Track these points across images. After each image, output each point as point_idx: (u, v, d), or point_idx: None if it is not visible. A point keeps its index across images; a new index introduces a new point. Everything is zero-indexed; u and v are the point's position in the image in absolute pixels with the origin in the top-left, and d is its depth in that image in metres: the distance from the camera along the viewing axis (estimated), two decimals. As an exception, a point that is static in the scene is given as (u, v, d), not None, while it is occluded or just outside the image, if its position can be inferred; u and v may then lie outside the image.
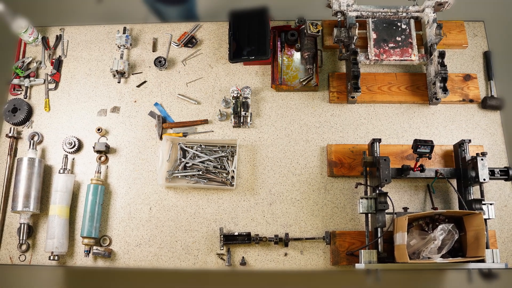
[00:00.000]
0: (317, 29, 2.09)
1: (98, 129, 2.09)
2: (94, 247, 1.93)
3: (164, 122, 2.12)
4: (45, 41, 2.28)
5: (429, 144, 1.81)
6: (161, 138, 2.10)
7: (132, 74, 2.22)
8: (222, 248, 1.92)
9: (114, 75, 2.18)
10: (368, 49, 2.14)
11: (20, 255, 1.96)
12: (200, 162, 2.03)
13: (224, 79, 2.21)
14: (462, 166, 1.91)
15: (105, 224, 1.99)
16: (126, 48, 2.24)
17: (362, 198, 1.83)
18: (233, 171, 2.00)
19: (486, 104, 2.10)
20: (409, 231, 1.79)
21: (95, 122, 2.14)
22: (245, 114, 2.07)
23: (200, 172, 2.01)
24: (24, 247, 1.95)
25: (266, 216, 1.99)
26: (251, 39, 2.15)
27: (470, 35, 2.26)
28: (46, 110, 2.16)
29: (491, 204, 1.81)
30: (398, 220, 1.74)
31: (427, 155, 1.84)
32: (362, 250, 1.77)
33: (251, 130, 2.12)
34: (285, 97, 2.17)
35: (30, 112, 2.15)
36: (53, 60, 2.24)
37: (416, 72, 2.18)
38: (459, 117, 2.12)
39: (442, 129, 2.10)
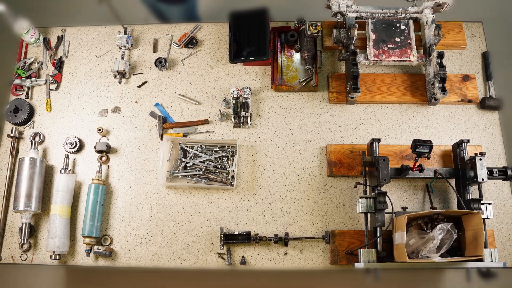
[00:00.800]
0: (317, 30, 2.10)
1: (99, 129, 2.10)
2: (95, 247, 1.94)
3: (164, 122, 2.13)
4: (46, 42, 2.30)
5: (428, 144, 1.82)
6: (161, 138, 2.11)
7: (133, 74, 2.24)
8: (222, 247, 1.93)
9: (115, 76, 2.19)
10: (367, 49, 2.15)
11: (22, 255, 1.97)
12: (201, 162, 2.05)
13: (224, 79, 2.22)
14: (460, 166, 1.92)
15: (106, 223, 2.00)
16: (127, 48, 2.25)
17: (361, 197, 1.84)
18: (233, 171, 2.02)
19: (484, 104, 2.11)
20: (408, 230, 1.80)
21: (96, 122, 2.16)
22: (245, 114, 2.08)
23: (201, 172, 2.02)
24: (25, 246, 1.96)
25: (266, 215, 2.00)
26: (251, 40, 2.16)
27: (469, 35, 2.27)
28: (47, 110, 2.18)
29: (489, 203, 1.82)
30: (397, 219, 1.75)
31: (426, 155, 1.85)
32: (361, 250, 1.78)
33: (251, 130, 2.13)
34: (285, 97, 2.18)
35: (31, 113, 2.16)
36: (55, 61, 2.25)
37: (415, 73, 2.20)
38: (457, 117, 2.13)
39: (441, 129, 2.11)
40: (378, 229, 1.81)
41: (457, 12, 2.22)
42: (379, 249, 1.80)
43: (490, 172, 1.84)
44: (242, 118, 2.09)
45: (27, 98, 2.20)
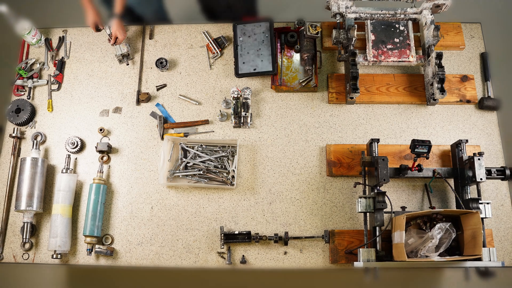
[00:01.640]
0: (316, 31, 2.11)
1: (101, 129, 2.11)
2: (96, 246, 1.95)
3: (165, 123, 2.15)
4: (48, 42, 2.31)
5: (427, 144, 1.82)
6: (162, 138, 2.12)
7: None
8: (222, 246, 1.94)
9: (121, 60, 2.22)
10: (367, 50, 2.16)
11: (24, 254, 1.98)
12: (201, 161, 2.06)
13: (224, 80, 2.23)
14: (459, 166, 1.93)
15: (107, 223, 2.02)
16: (128, 56, 2.26)
17: (360, 197, 1.85)
18: (234, 171, 2.03)
19: (483, 104, 2.12)
20: (407, 230, 1.81)
21: (98, 122, 2.17)
22: (245, 114, 2.09)
23: (201, 172, 2.03)
24: (27, 245, 1.97)
25: (266, 215, 2.01)
26: (256, 52, 2.17)
27: (467, 36, 2.28)
28: (49, 110, 2.19)
29: (488, 203, 1.83)
30: (396, 219, 1.76)
31: (425, 155, 1.86)
32: (360, 249, 1.79)
33: (251, 130, 2.14)
34: (284, 97, 2.19)
35: (33, 113, 2.17)
36: (56, 61, 2.26)
37: (414, 73, 2.21)
38: (456, 118, 2.15)
39: (439, 129, 2.13)
40: (377, 228, 1.82)
41: (456, 13, 2.23)
42: (378, 249, 1.80)
43: (488, 172, 1.85)
44: (242, 118, 2.11)
45: (29, 99, 2.21)
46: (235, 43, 2.21)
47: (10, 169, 2.08)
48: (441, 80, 2.00)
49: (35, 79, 2.23)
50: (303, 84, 2.16)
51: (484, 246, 1.76)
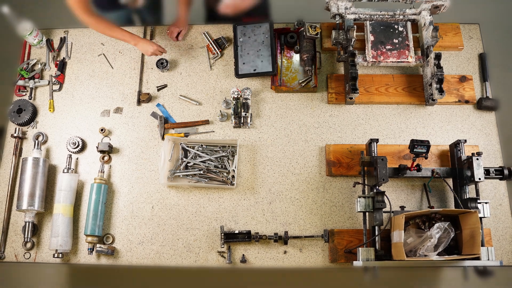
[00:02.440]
0: (316, 32, 2.12)
1: (102, 130, 2.13)
2: (98, 245, 1.96)
3: (166, 123, 2.16)
4: (49, 43, 2.32)
5: (426, 144, 1.83)
6: (163, 138, 2.13)
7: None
8: (222, 246, 1.95)
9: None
10: (366, 51, 2.18)
11: (25, 253, 1.99)
12: (201, 161, 2.07)
13: (224, 80, 2.24)
14: (458, 166, 1.94)
15: (108, 222, 2.03)
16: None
17: (360, 197, 1.86)
18: (234, 171, 2.04)
19: (481, 105, 2.14)
20: (406, 229, 1.82)
21: (99, 122, 2.18)
22: (245, 114, 2.10)
23: (201, 172, 2.04)
24: (29, 245, 1.98)
25: (266, 214, 2.02)
26: (256, 53, 2.18)
27: (466, 37, 2.29)
28: (50, 111, 2.20)
29: (486, 203, 1.84)
30: (395, 218, 1.77)
31: (424, 155, 1.86)
32: (360, 248, 1.80)
33: (251, 131, 2.15)
34: (284, 98, 2.21)
35: (34, 113, 2.19)
36: (57, 62, 2.28)
37: (412, 74, 2.22)
38: (455, 118, 2.16)
39: (438, 129, 2.14)
40: (376, 228, 1.83)
41: (454, 14, 2.24)
42: (377, 248, 1.81)
43: (486, 171, 1.85)
44: (242, 118, 2.12)
45: (30, 99, 2.22)
46: (235, 43, 2.22)
47: (12, 169, 2.09)
48: (440, 81, 2.01)
49: (36, 80, 2.24)
50: (303, 85, 2.17)
51: (482, 245, 1.77)
